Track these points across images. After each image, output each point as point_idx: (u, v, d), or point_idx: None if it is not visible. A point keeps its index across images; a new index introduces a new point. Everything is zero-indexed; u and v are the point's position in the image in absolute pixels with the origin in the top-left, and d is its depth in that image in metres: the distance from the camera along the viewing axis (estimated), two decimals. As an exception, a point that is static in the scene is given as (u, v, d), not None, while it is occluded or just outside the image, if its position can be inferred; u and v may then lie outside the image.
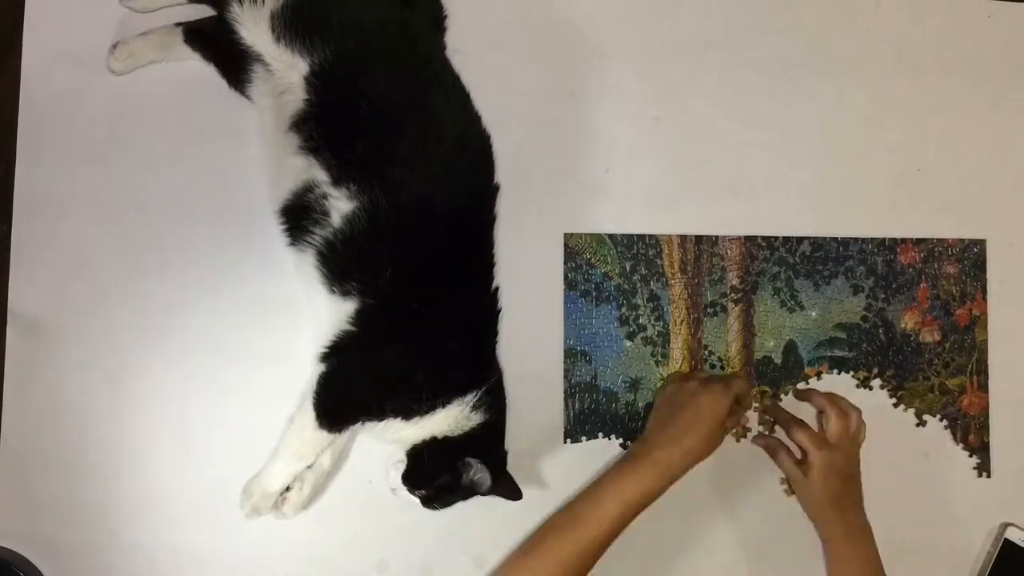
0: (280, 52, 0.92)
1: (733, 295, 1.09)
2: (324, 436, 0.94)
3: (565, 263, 1.07)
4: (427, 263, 0.93)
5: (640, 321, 1.08)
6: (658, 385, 1.08)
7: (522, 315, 1.05)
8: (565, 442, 1.06)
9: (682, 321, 1.09)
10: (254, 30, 0.92)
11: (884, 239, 1.12)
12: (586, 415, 1.07)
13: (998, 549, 1.09)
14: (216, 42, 0.98)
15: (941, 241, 1.13)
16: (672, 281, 1.09)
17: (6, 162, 1.00)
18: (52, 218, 1.01)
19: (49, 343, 0.99)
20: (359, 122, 0.90)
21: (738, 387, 1.01)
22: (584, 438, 1.06)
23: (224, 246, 1.02)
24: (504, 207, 1.04)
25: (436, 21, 1.01)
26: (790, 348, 1.10)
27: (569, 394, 1.06)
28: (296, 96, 0.92)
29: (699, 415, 0.99)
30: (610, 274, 1.08)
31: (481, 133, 0.98)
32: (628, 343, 1.08)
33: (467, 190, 0.96)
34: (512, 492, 0.98)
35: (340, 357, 0.93)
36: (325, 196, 0.91)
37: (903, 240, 1.12)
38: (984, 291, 1.13)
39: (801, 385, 1.10)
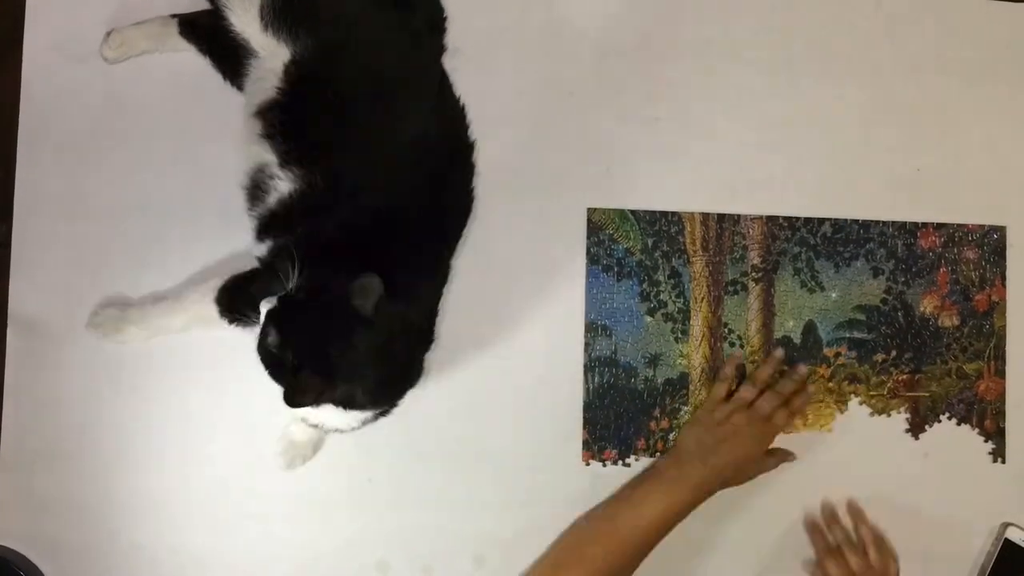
0: (267, 40, 0.93)
1: (754, 274, 1.10)
2: (210, 311, 0.95)
3: (588, 238, 1.08)
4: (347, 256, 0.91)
5: (661, 297, 1.09)
6: (677, 360, 1.08)
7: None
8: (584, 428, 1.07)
9: (703, 298, 1.09)
10: (243, 17, 0.94)
11: (905, 223, 1.12)
12: (605, 389, 1.07)
13: (998, 549, 1.09)
14: (211, 34, 0.98)
15: (961, 226, 1.13)
16: (693, 258, 1.09)
17: (6, 162, 1.01)
18: (52, 218, 1.01)
19: (49, 343, 1.00)
20: (320, 112, 0.92)
21: (784, 425, 1.04)
22: (601, 418, 1.07)
23: (224, 246, 1.02)
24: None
25: (434, 24, 1.02)
26: (810, 328, 1.11)
27: (589, 368, 1.07)
28: (270, 83, 0.94)
29: (740, 453, 1.01)
30: (632, 250, 1.08)
31: (457, 142, 1.00)
32: (649, 319, 1.08)
33: (420, 197, 0.95)
34: None
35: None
36: (271, 177, 0.93)
37: (924, 224, 1.13)
38: (1003, 277, 1.13)
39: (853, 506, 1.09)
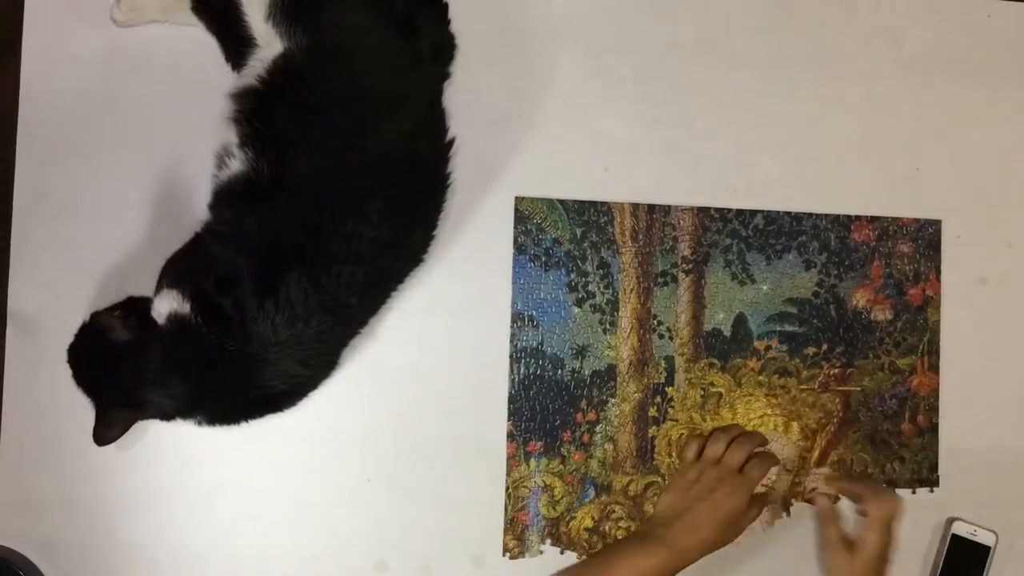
0: (266, 30, 0.93)
1: (684, 266, 1.09)
2: None
3: (515, 227, 1.07)
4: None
5: (589, 288, 1.08)
6: (605, 352, 1.07)
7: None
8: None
9: (632, 290, 1.08)
10: (252, 4, 0.93)
11: (838, 215, 1.11)
12: (531, 380, 1.06)
13: (947, 546, 1.08)
14: (222, 14, 0.97)
15: (896, 220, 1.12)
16: (623, 249, 1.08)
17: (6, 162, 1.00)
18: (52, 218, 1.00)
19: (49, 343, 0.98)
20: (290, 107, 0.92)
21: (758, 475, 1.03)
22: (527, 410, 1.06)
23: None
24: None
25: (439, 51, 1.00)
26: (740, 321, 1.10)
27: (515, 359, 1.06)
28: (255, 71, 0.94)
29: (717, 510, 1.00)
30: (560, 239, 1.07)
31: (432, 175, 0.98)
32: (576, 310, 1.07)
33: (365, 220, 0.92)
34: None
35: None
36: (228, 155, 0.93)
37: (858, 217, 1.12)
38: (938, 272, 1.13)
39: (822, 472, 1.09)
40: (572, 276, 1.07)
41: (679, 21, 1.10)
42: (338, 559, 1.02)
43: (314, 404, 0.99)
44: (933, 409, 1.11)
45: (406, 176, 0.96)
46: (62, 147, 1.01)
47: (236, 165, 0.93)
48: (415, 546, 1.03)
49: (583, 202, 1.07)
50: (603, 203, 1.08)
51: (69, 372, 0.92)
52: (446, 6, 1.01)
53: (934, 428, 1.11)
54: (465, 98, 1.03)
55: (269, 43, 0.93)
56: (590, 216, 1.08)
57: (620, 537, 1.06)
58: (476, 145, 1.04)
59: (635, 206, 1.08)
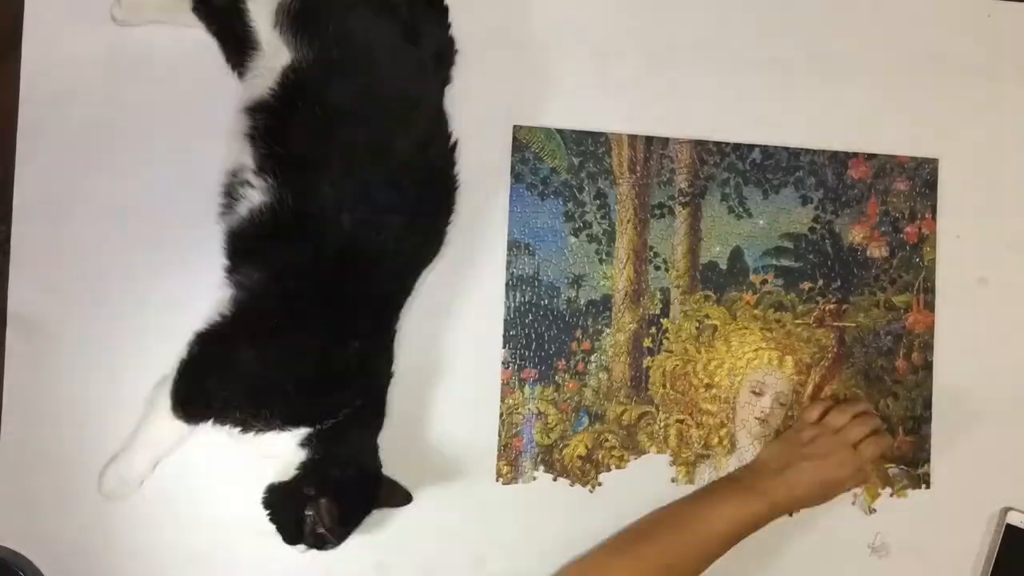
0: (272, 38, 0.93)
1: (681, 198, 1.09)
2: (179, 426, 0.94)
3: (513, 155, 1.07)
4: (314, 281, 0.92)
5: (586, 218, 1.08)
6: (601, 282, 1.07)
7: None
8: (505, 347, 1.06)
9: (628, 221, 1.09)
10: (259, 11, 0.93)
11: (836, 152, 1.12)
12: (526, 308, 1.07)
13: (1001, 536, 1.08)
14: (224, 16, 0.97)
15: (893, 158, 1.12)
16: (620, 180, 1.08)
17: (6, 162, 1.00)
18: (52, 218, 1.01)
19: (49, 343, 0.99)
20: (306, 125, 0.91)
21: (871, 455, 1.02)
22: (522, 337, 1.06)
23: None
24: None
25: (441, 56, 1.01)
26: (736, 255, 1.10)
27: (510, 286, 1.06)
28: (266, 83, 0.93)
29: (822, 474, 1.01)
30: (558, 169, 1.08)
31: (443, 179, 0.99)
32: (573, 239, 1.08)
33: (391, 231, 0.93)
34: (399, 498, 0.98)
35: (203, 346, 0.93)
36: (244, 183, 0.92)
37: (855, 154, 1.12)
38: (934, 210, 1.13)
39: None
40: (569, 206, 1.08)
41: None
42: (339, 559, 1.00)
43: None
44: (928, 347, 1.11)
45: (422, 186, 0.95)
46: (62, 147, 1.01)
47: (255, 197, 0.91)
48: (416, 546, 1.03)
49: (581, 132, 1.08)
50: (601, 133, 1.08)
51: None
52: (447, 10, 1.00)
53: (928, 366, 1.11)
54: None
55: (276, 52, 0.92)
56: (588, 146, 1.08)
57: (617, 465, 1.06)
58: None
59: (633, 137, 1.09)
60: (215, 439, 0.97)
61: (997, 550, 1.08)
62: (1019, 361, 1.13)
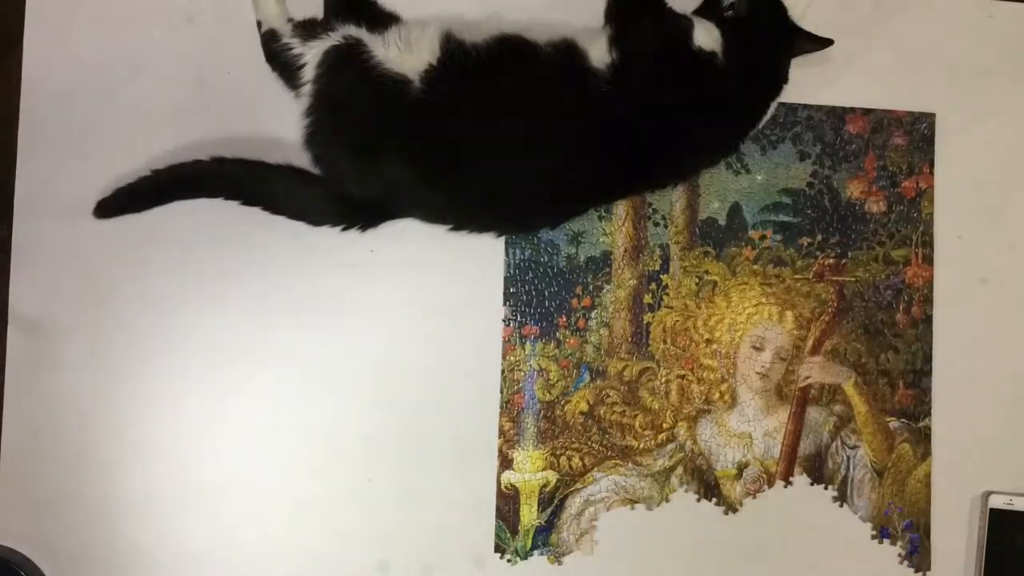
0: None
1: (679, 155, 1.09)
2: None
3: (511, 113, 1.07)
4: None
5: (585, 175, 1.08)
6: (600, 239, 1.08)
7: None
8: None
9: (627, 177, 1.09)
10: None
11: (834, 107, 1.12)
12: (527, 264, 1.07)
13: (987, 521, 1.08)
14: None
15: (890, 112, 1.13)
16: (618, 137, 1.09)
17: (6, 162, 1.00)
18: (52, 218, 1.01)
19: (49, 343, 1.00)
20: None
21: None
22: (523, 294, 1.06)
23: (225, 246, 1.02)
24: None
25: None
26: (735, 210, 1.10)
27: (511, 243, 1.07)
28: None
29: None
30: (556, 127, 1.08)
31: None
32: (572, 196, 1.08)
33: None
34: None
35: None
36: None
37: (852, 109, 1.12)
38: (932, 165, 1.13)
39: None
40: (567, 163, 1.08)
41: None
42: (339, 559, 1.02)
43: (314, 403, 1.02)
44: (927, 300, 1.12)
45: None
46: (62, 147, 1.01)
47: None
48: (416, 546, 1.04)
49: (579, 90, 1.08)
50: (599, 91, 1.08)
51: None
52: None
53: (928, 319, 1.12)
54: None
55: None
56: (586, 104, 1.08)
57: (619, 420, 1.06)
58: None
59: (630, 94, 1.09)
60: (215, 439, 0.99)
61: (987, 536, 1.08)
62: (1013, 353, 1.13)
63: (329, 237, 1.01)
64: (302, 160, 0.99)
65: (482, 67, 0.96)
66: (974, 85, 1.14)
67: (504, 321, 1.06)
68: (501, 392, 1.06)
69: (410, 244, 1.04)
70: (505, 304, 1.06)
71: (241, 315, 1.02)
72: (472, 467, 1.05)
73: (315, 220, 1.00)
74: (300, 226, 1.01)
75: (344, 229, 1.00)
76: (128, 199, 0.98)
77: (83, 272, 1.01)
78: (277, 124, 1.01)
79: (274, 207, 0.99)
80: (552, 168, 0.98)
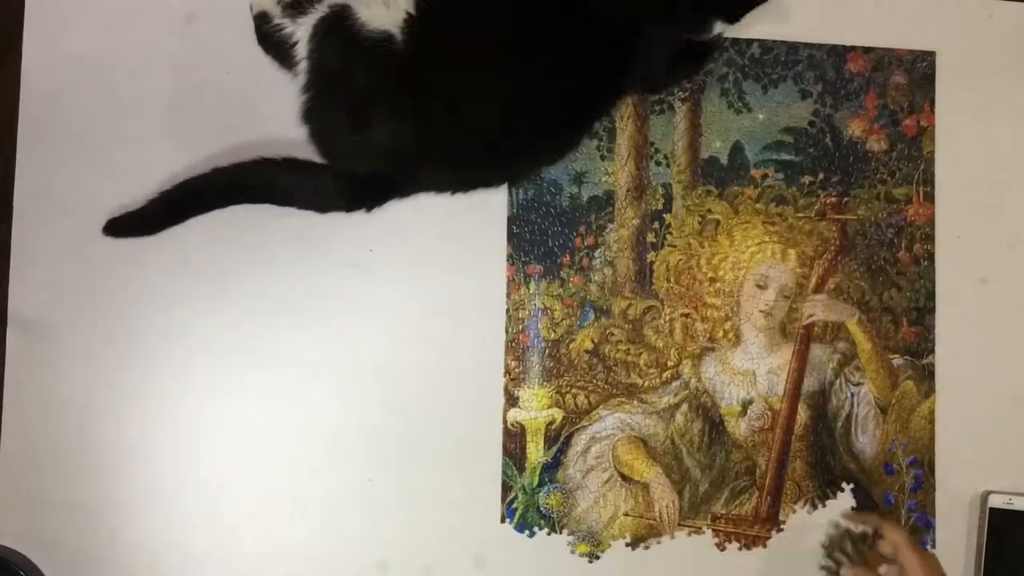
0: None
1: (680, 93, 1.10)
2: None
3: (512, 53, 1.07)
4: None
5: (586, 115, 1.08)
6: (603, 178, 1.08)
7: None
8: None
9: (628, 117, 1.09)
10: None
11: (835, 45, 1.12)
12: (530, 204, 1.07)
13: (987, 521, 1.08)
14: None
15: (891, 51, 1.13)
16: (620, 76, 1.08)
17: (6, 162, 1.00)
18: (52, 218, 1.00)
19: (49, 343, 0.99)
20: None
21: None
22: (527, 233, 1.06)
23: (225, 246, 1.01)
24: None
25: None
26: (737, 149, 1.10)
27: (515, 181, 1.07)
28: None
29: None
30: (557, 66, 1.08)
31: None
32: (574, 136, 1.08)
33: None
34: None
35: None
36: None
37: (853, 48, 1.12)
38: (932, 103, 1.13)
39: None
40: (569, 102, 1.08)
41: None
42: (339, 559, 1.02)
43: (314, 403, 1.02)
44: (929, 238, 1.12)
45: None
46: (62, 147, 1.01)
47: None
48: (417, 546, 1.04)
49: (580, 29, 1.08)
50: (599, 30, 1.08)
51: None
52: None
53: (930, 257, 1.12)
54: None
55: None
56: (587, 43, 1.08)
57: (623, 358, 1.07)
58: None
59: (631, 34, 1.08)
60: (215, 439, 0.99)
61: (986, 536, 1.08)
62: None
63: (329, 237, 1.02)
64: (303, 156, 0.99)
65: (455, 5, 0.96)
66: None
67: (508, 260, 1.06)
68: (506, 331, 1.06)
69: (410, 244, 1.04)
70: (509, 243, 1.06)
71: (241, 315, 1.02)
72: (473, 468, 1.05)
73: (322, 207, 1.00)
74: (300, 226, 1.01)
75: (350, 210, 0.99)
76: (140, 222, 0.98)
77: (83, 272, 1.00)
78: (277, 124, 1.00)
79: (282, 201, 0.99)
80: (543, 91, 0.97)
